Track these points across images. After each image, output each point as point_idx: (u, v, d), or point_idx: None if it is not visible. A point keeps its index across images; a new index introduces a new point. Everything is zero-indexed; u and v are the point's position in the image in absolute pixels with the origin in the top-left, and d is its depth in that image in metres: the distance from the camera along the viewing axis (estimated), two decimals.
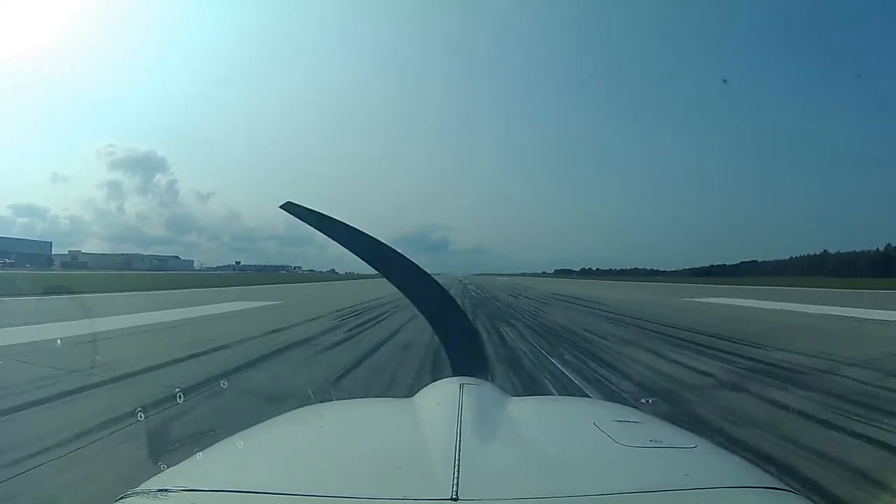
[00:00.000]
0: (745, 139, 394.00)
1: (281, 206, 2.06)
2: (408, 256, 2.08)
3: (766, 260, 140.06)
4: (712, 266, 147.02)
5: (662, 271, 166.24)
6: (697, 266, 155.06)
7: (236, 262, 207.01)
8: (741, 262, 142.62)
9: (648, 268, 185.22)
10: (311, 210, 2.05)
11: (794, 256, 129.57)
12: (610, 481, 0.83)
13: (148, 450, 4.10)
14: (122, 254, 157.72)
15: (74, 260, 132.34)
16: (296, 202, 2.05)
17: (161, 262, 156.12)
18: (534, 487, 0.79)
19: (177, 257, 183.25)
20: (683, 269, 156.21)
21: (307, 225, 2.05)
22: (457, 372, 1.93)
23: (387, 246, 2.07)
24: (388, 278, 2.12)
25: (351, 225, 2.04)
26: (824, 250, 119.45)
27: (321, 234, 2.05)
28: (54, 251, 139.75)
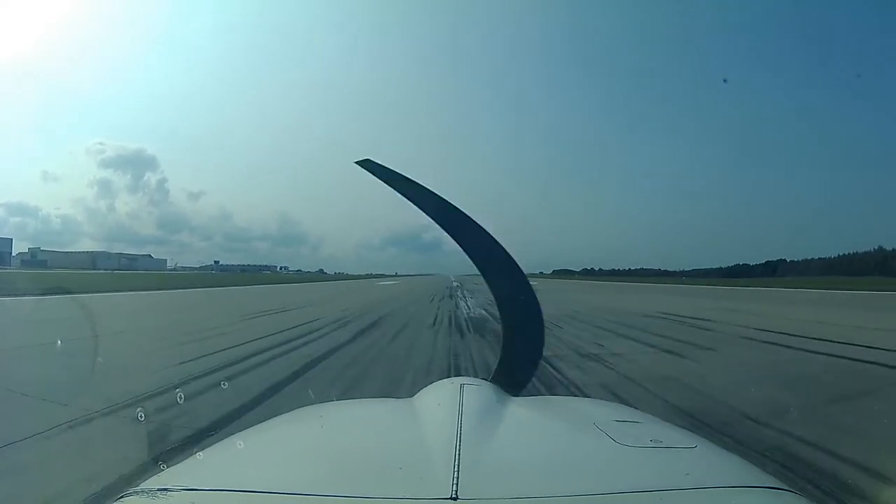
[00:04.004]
0: (757, 134, 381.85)
1: (357, 162, 2.08)
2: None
3: (799, 259, 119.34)
4: (738, 266, 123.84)
5: (673, 272, 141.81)
6: (714, 266, 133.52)
7: (215, 262, 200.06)
8: (768, 262, 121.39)
9: (656, 268, 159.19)
10: (387, 168, 2.10)
11: (844, 254, 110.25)
12: (610, 481, 0.84)
13: None
14: (87, 252, 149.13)
15: (34, 258, 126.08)
16: (373, 160, 2.06)
17: (130, 261, 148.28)
18: (534, 487, 0.79)
19: (149, 256, 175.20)
20: (700, 270, 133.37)
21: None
22: (508, 355, 1.98)
23: (461, 212, 2.09)
24: (459, 243, 2.14)
25: (427, 188, 2.08)
26: (879, 246, 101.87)
27: (398, 193, 2.07)
28: (26, 249, 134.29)
